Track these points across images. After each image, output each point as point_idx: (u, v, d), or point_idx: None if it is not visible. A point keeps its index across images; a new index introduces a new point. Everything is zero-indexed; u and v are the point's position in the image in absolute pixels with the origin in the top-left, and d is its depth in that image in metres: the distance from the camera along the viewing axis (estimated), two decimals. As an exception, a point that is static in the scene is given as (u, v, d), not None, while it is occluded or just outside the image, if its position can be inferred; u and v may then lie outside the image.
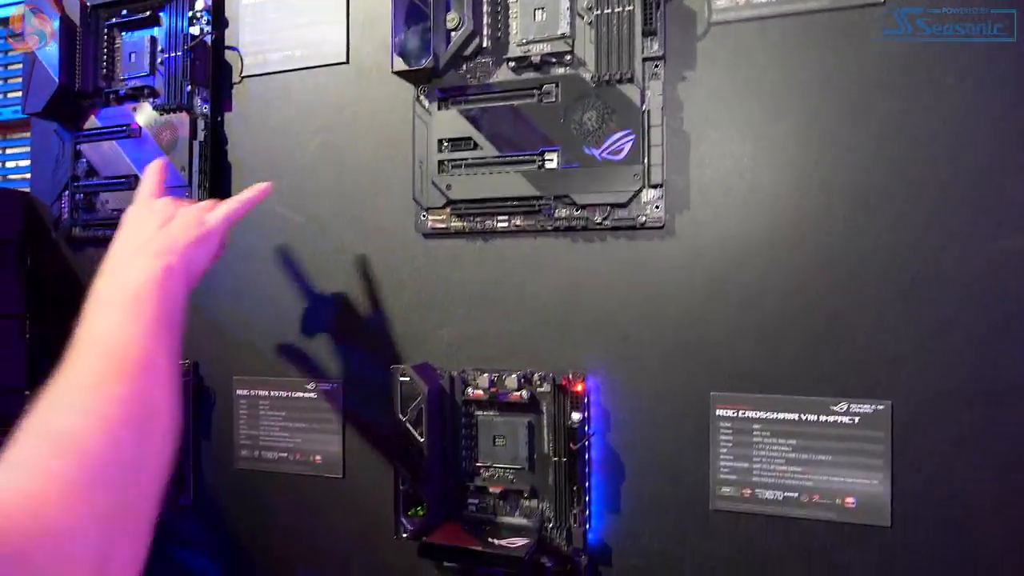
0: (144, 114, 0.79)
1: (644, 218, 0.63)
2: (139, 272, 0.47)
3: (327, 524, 0.73)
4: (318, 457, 0.74)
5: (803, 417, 0.60)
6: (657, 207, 0.63)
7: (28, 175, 0.91)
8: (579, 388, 0.64)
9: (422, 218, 0.70)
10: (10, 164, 1.25)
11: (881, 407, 0.58)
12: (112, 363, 0.41)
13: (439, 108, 0.69)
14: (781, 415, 0.60)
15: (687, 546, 0.62)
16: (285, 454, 0.75)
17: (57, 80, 0.78)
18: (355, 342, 0.73)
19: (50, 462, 0.34)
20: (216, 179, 0.77)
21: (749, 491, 0.61)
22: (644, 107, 0.63)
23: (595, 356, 0.65)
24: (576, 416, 0.63)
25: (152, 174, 0.60)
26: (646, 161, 0.62)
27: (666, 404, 0.63)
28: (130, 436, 0.38)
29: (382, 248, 0.72)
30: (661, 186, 0.62)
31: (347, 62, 0.74)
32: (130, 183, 0.79)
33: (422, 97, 0.69)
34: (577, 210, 0.65)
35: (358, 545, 0.72)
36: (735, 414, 0.62)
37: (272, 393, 0.75)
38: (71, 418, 0.37)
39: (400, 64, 0.66)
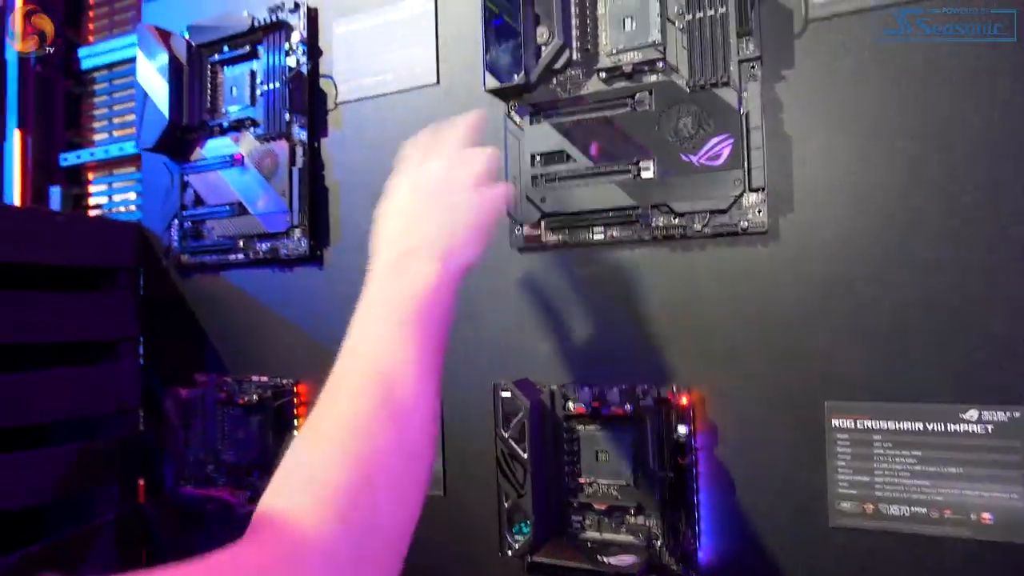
0: (246, 144, 0.82)
1: (746, 223, 0.61)
2: (418, 279, 0.44)
3: (430, 542, 0.73)
4: (419, 473, 0.74)
5: (929, 427, 0.56)
6: (759, 211, 0.61)
7: (135, 207, 0.97)
8: (684, 401, 0.62)
9: (517, 232, 0.70)
10: (117, 197, 1.34)
11: (1018, 414, 0.54)
12: (381, 398, 0.39)
13: (531, 123, 0.69)
14: (904, 424, 0.57)
15: (805, 565, 0.60)
16: (387, 470, 0.76)
17: (167, 117, 0.83)
18: (453, 357, 0.73)
19: (306, 507, 0.35)
20: (314, 203, 0.79)
21: (871, 506, 0.58)
22: (742, 110, 0.61)
23: (700, 367, 0.63)
24: (682, 430, 0.62)
25: (468, 123, 0.53)
26: (746, 165, 0.61)
27: (777, 415, 0.61)
28: (388, 491, 0.37)
29: (479, 264, 0.72)
30: (763, 190, 0.61)
31: (437, 83, 0.75)
32: (234, 210, 0.82)
33: (513, 112, 0.70)
34: (676, 218, 0.64)
35: (462, 564, 0.72)
36: (853, 424, 0.59)
37: (372, 410, 0.77)
38: (332, 463, 0.36)
39: (492, 82, 0.67)
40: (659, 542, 0.63)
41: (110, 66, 1.35)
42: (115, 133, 1.42)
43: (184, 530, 0.87)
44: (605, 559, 0.61)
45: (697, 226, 0.63)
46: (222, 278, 0.86)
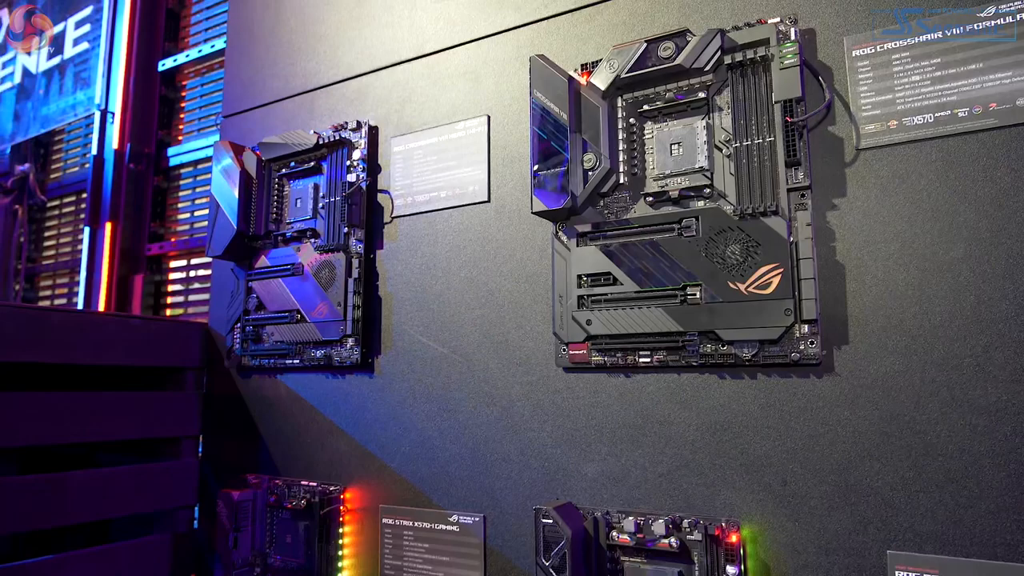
0: (306, 254, 0.86)
1: (798, 355, 0.59)
2: None
3: (469, 664, 0.71)
4: (460, 592, 0.73)
5: (1007, 587, 0.52)
6: (812, 343, 0.59)
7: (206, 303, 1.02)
8: (733, 539, 0.59)
9: (563, 352, 0.70)
10: (194, 285, 1.42)
11: (1110, 582, 0.49)
12: None
13: (577, 244, 0.70)
14: (978, 583, 0.53)
15: None
16: (428, 587, 0.75)
17: (235, 227, 0.88)
18: (497, 475, 0.73)
19: None
20: (368, 312, 0.82)
21: (944, 671, 0.53)
22: (791, 239, 0.60)
23: (749, 502, 0.61)
24: (731, 570, 0.59)
25: None
26: (797, 295, 0.59)
27: (834, 560, 0.57)
28: None
29: (524, 381, 0.72)
30: (816, 321, 0.59)
31: (488, 200, 0.77)
32: (292, 317, 0.86)
33: (561, 233, 0.71)
34: (723, 346, 0.62)
35: None
36: (920, 578, 0.54)
37: (416, 524, 0.76)
38: None
39: (539, 205, 0.69)
40: None
41: (195, 163, 1.46)
42: (195, 225, 1.52)
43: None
44: None
45: (746, 355, 0.61)
46: (279, 381, 0.89)
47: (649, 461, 0.65)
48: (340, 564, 0.80)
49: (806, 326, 0.59)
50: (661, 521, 0.62)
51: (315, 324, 0.83)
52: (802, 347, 0.59)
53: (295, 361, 0.86)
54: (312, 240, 0.87)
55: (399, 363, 0.80)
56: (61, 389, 0.78)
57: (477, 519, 0.73)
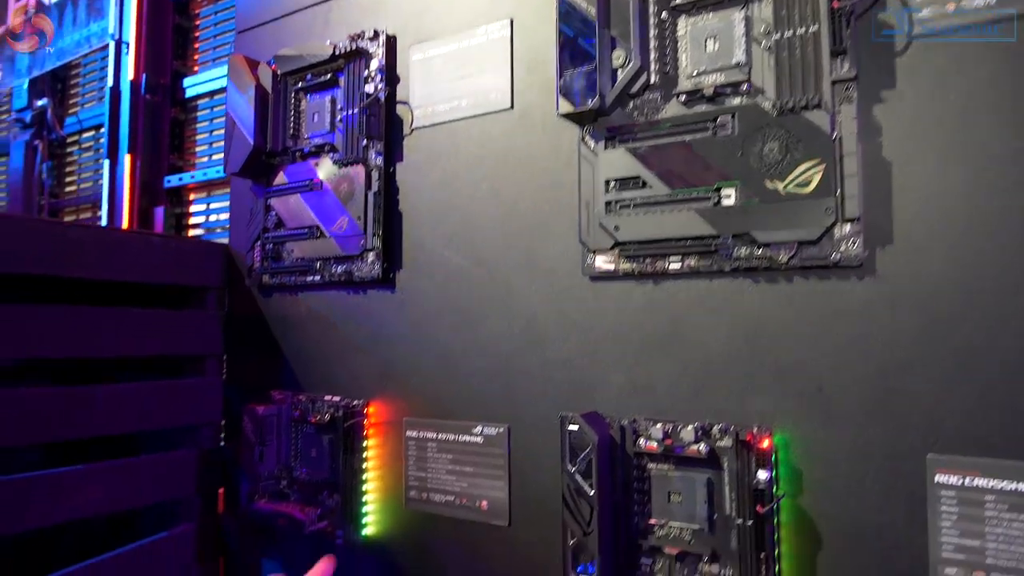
0: (325, 169, 0.84)
1: (838, 256, 0.57)
2: None
3: (493, 573, 0.72)
4: (484, 503, 0.73)
5: (1052, 490, 0.50)
6: (854, 243, 0.56)
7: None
8: (765, 444, 0.58)
9: (589, 260, 0.68)
10: (214, 217, 1.41)
11: None
12: None
13: (605, 148, 0.67)
14: (1022, 486, 0.51)
15: (902, 634, 0.54)
16: (452, 498, 0.75)
17: (252, 142, 0.86)
18: (521, 387, 0.71)
19: None
20: (388, 226, 0.80)
21: (981, 574, 0.52)
22: (835, 134, 0.57)
23: (783, 409, 0.59)
24: (762, 475, 0.57)
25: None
26: (839, 193, 0.56)
27: (871, 467, 0.55)
28: None
29: (548, 292, 0.71)
30: (858, 220, 0.56)
31: (511, 108, 0.74)
32: (312, 233, 0.84)
33: (587, 137, 0.68)
34: (759, 249, 0.60)
35: (525, 598, 0.70)
36: (960, 482, 0.53)
37: (440, 436, 0.76)
38: None
39: (566, 106, 0.65)
40: (735, 596, 0.58)
41: (211, 94, 1.44)
42: (214, 157, 1.50)
43: (257, 543, 0.89)
44: (675, 611, 0.57)
45: (783, 258, 0.59)
46: (300, 299, 0.88)
47: (678, 370, 0.64)
48: (364, 476, 0.80)
49: (848, 225, 0.56)
50: (690, 428, 0.61)
51: (335, 239, 0.82)
52: (843, 248, 0.57)
53: (316, 278, 0.85)
54: (330, 154, 0.84)
55: (420, 278, 0.78)
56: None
57: (501, 430, 0.72)
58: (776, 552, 0.57)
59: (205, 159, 1.50)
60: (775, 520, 0.57)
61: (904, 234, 0.55)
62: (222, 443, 0.93)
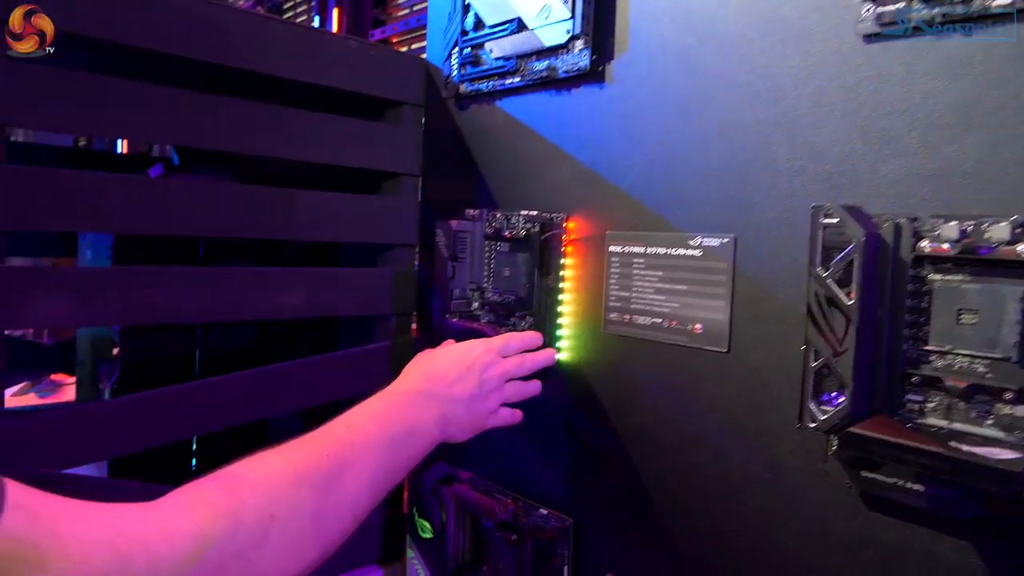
0: (530, -49, 0.74)
1: None
2: (421, 429, 0.56)
3: (705, 407, 0.62)
4: (698, 326, 0.62)
5: None
6: None
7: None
8: None
9: (866, 10, 0.51)
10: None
11: None
12: (329, 476, 0.46)
13: None
14: None
15: None
16: (660, 320, 0.65)
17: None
18: (757, 186, 0.58)
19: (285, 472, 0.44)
20: (600, 8, 0.68)
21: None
22: None
23: None
24: (1122, 283, 0.40)
25: (520, 340, 0.69)
26: None
27: None
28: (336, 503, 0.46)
29: (805, 60, 0.55)
30: None
31: None
32: (514, 26, 0.75)
33: None
34: None
35: (742, 436, 0.59)
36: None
37: (649, 249, 0.66)
38: (261, 502, 0.42)
39: None
40: (1053, 445, 0.43)
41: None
42: (415, 8, 1.48)
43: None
44: (965, 447, 0.43)
45: None
46: (496, 108, 0.80)
47: (985, 151, 0.47)
48: (559, 297, 0.73)
49: None
50: (1005, 223, 0.45)
51: (538, 31, 0.72)
52: None
53: (515, 80, 0.76)
54: (538, -65, 0.74)
55: (636, 67, 0.67)
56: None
57: (726, 240, 0.60)
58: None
59: (406, 11, 1.48)
60: None
61: None
62: (416, 266, 0.91)
